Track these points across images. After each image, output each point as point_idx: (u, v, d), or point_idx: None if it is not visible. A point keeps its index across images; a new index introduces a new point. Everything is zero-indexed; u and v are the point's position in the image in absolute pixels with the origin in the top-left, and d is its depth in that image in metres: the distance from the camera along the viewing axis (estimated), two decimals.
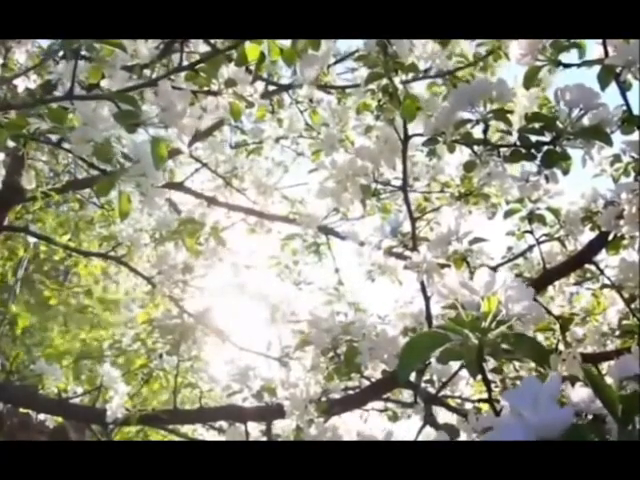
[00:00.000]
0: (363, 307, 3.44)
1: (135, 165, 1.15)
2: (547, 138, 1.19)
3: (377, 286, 1.82)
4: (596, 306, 2.03)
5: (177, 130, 1.22)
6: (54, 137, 1.29)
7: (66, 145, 1.19)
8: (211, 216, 2.76)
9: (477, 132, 1.31)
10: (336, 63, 3.07)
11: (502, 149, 1.29)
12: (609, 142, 1.16)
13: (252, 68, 1.39)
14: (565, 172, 1.25)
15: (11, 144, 1.27)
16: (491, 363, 1.50)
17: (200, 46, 1.48)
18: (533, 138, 1.20)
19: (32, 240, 3.82)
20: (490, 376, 1.58)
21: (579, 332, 1.86)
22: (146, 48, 1.37)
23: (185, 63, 1.42)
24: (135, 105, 1.14)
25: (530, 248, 1.95)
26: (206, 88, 1.37)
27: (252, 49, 1.33)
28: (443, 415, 1.70)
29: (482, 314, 0.69)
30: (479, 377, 0.73)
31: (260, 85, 1.39)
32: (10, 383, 2.26)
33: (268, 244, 3.36)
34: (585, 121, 1.16)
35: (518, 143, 1.23)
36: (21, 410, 2.60)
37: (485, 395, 1.69)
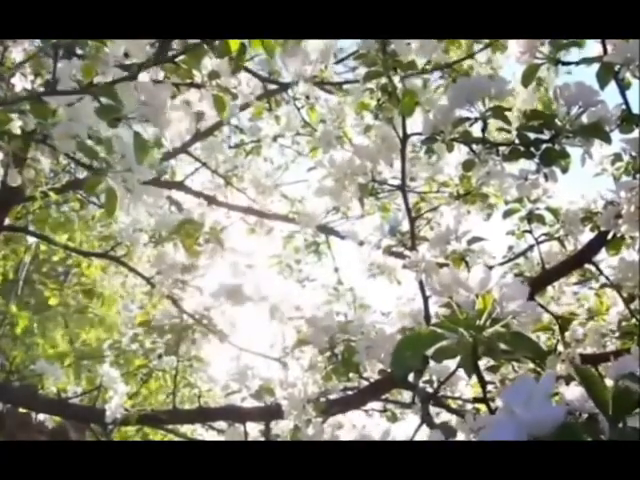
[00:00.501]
0: (366, 304, 3.43)
1: (121, 160, 1.14)
2: (546, 136, 1.18)
3: (380, 284, 1.82)
4: (599, 306, 2.03)
5: (159, 124, 1.20)
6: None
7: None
8: (210, 216, 2.75)
9: (476, 131, 1.30)
10: (337, 63, 3.07)
11: (501, 147, 1.28)
12: (608, 140, 1.16)
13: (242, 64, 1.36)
14: (564, 170, 1.24)
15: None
16: (488, 362, 1.49)
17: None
18: (532, 136, 1.20)
19: (32, 240, 3.82)
20: (488, 377, 1.58)
21: (579, 332, 1.85)
22: (140, 47, 1.35)
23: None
24: (116, 99, 1.12)
25: (530, 248, 1.95)
26: (189, 81, 1.34)
27: (233, 41, 1.31)
28: (443, 416, 1.69)
29: (477, 312, 0.69)
30: (474, 377, 0.72)
31: (252, 82, 1.36)
32: (10, 383, 2.26)
33: (269, 243, 3.36)
34: (584, 119, 1.15)
35: (517, 141, 1.22)
36: (21, 410, 2.60)
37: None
